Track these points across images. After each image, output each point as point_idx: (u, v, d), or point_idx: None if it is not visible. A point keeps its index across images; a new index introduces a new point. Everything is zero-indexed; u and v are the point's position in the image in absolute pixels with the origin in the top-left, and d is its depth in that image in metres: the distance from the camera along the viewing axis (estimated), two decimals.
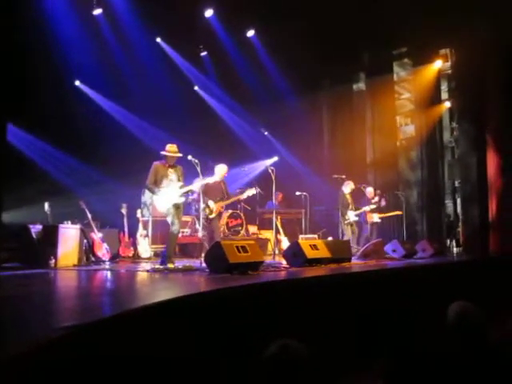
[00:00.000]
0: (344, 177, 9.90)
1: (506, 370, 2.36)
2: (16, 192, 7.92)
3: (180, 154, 6.38)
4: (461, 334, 2.46)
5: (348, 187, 9.64)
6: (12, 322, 2.68)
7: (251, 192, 7.88)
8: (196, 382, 3.09)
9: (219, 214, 7.60)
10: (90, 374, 2.28)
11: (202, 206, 6.87)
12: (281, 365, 2.03)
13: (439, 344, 2.38)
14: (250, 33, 11.27)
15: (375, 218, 10.01)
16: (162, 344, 2.89)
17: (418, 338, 2.22)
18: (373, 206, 9.85)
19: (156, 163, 6.40)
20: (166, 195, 6.24)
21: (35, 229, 6.77)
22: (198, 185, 6.36)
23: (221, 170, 7.50)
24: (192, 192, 6.67)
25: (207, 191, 7.41)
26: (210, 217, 7.35)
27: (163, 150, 6.43)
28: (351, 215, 9.45)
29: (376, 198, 10.13)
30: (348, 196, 9.63)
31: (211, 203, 7.31)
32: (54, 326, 2.39)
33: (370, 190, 10.29)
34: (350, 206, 9.53)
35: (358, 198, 10.14)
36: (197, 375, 3.11)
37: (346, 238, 9.19)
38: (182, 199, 6.42)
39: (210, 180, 6.60)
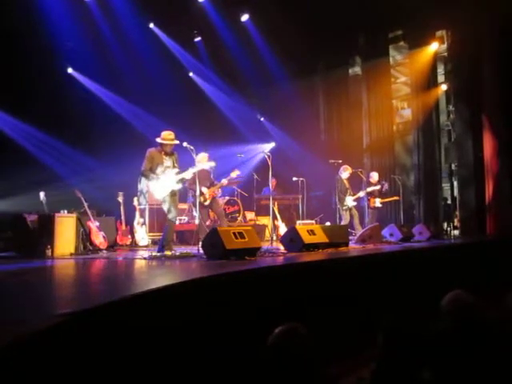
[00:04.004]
0: (340, 161, 9.86)
1: (504, 347, 2.38)
2: (10, 181, 7.91)
3: (176, 142, 6.25)
4: (456, 321, 2.48)
5: (346, 173, 9.58)
6: (8, 310, 2.67)
7: (234, 174, 7.90)
8: (194, 369, 3.09)
9: (213, 199, 7.70)
10: (86, 361, 2.28)
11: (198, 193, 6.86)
12: (283, 348, 2.03)
13: (435, 326, 2.39)
14: (245, 17, 11.16)
15: (377, 202, 10.00)
16: (159, 331, 2.88)
17: (415, 320, 2.22)
18: (369, 189, 9.80)
19: (151, 150, 6.26)
20: (162, 182, 6.19)
21: (31, 218, 6.73)
22: (190, 172, 6.30)
23: (202, 158, 7.43)
24: (185, 180, 6.60)
25: (198, 180, 7.45)
26: (206, 204, 7.53)
27: (158, 136, 6.33)
28: (349, 201, 9.42)
29: (378, 186, 10.09)
30: (346, 181, 9.58)
31: (205, 190, 7.50)
32: (50, 314, 2.38)
33: (374, 175, 10.22)
34: (348, 192, 9.51)
35: (356, 182, 10.11)
36: (194, 362, 3.11)
37: (343, 223, 9.19)
38: (179, 185, 6.35)
39: (203, 166, 6.57)
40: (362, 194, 9.69)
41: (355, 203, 9.55)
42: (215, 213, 7.88)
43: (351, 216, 9.48)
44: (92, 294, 3.41)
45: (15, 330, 2.07)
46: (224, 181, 7.94)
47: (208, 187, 7.62)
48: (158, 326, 2.89)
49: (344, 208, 9.38)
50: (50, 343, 2.09)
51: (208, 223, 9.30)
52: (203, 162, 7.44)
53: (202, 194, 7.35)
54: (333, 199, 9.61)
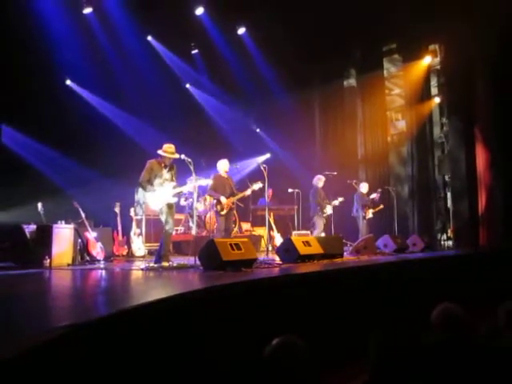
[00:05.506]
0: (335, 173, 9.97)
1: (494, 360, 2.43)
2: (9, 192, 7.95)
3: (177, 156, 6.31)
4: (446, 333, 2.54)
5: (321, 181, 9.62)
6: (6, 322, 2.69)
7: (257, 186, 7.70)
8: (190, 380, 3.14)
9: (230, 210, 7.51)
10: (85, 373, 2.32)
11: (199, 202, 6.85)
12: (281, 360, 2.09)
13: (425, 339, 2.45)
14: (241, 30, 11.30)
15: (370, 213, 10.10)
16: (157, 343, 2.93)
17: (406, 332, 2.29)
18: (339, 200, 9.72)
19: (152, 161, 6.35)
20: (159, 194, 6.26)
21: (29, 228, 6.78)
22: (190, 186, 6.38)
23: (223, 164, 7.55)
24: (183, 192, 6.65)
25: (217, 187, 7.42)
26: (222, 213, 7.35)
27: (157, 148, 6.38)
28: (329, 209, 9.49)
29: (374, 194, 10.18)
30: (321, 190, 9.66)
31: (223, 199, 7.31)
32: (48, 326, 2.41)
33: (364, 185, 10.32)
34: (326, 200, 9.57)
35: (350, 194, 10.21)
36: (191, 373, 3.16)
37: (318, 231, 9.21)
38: (175, 199, 6.43)
39: (202, 182, 6.63)
40: (336, 202, 9.60)
41: (331, 212, 9.60)
42: (221, 225, 7.52)
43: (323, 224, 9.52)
44: (90, 306, 3.45)
45: (14, 343, 2.09)
46: (248, 191, 7.69)
47: (228, 197, 7.40)
48: (157, 338, 2.94)
49: (324, 216, 9.44)
50: (48, 355, 2.10)
51: (204, 233, 9.36)
52: (224, 168, 7.55)
53: (219, 202, 7.30)
54: (311, 208, 9.63)
